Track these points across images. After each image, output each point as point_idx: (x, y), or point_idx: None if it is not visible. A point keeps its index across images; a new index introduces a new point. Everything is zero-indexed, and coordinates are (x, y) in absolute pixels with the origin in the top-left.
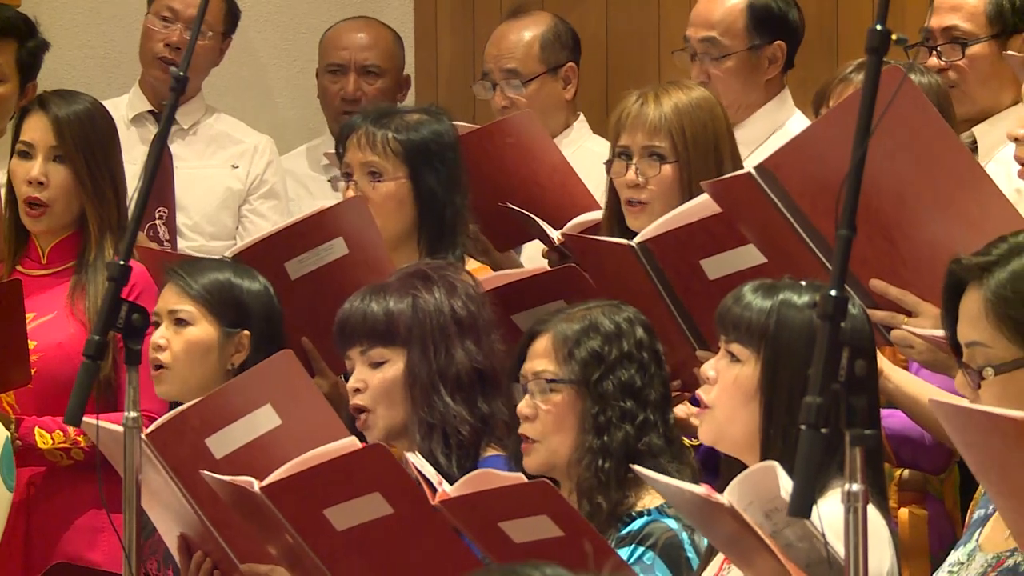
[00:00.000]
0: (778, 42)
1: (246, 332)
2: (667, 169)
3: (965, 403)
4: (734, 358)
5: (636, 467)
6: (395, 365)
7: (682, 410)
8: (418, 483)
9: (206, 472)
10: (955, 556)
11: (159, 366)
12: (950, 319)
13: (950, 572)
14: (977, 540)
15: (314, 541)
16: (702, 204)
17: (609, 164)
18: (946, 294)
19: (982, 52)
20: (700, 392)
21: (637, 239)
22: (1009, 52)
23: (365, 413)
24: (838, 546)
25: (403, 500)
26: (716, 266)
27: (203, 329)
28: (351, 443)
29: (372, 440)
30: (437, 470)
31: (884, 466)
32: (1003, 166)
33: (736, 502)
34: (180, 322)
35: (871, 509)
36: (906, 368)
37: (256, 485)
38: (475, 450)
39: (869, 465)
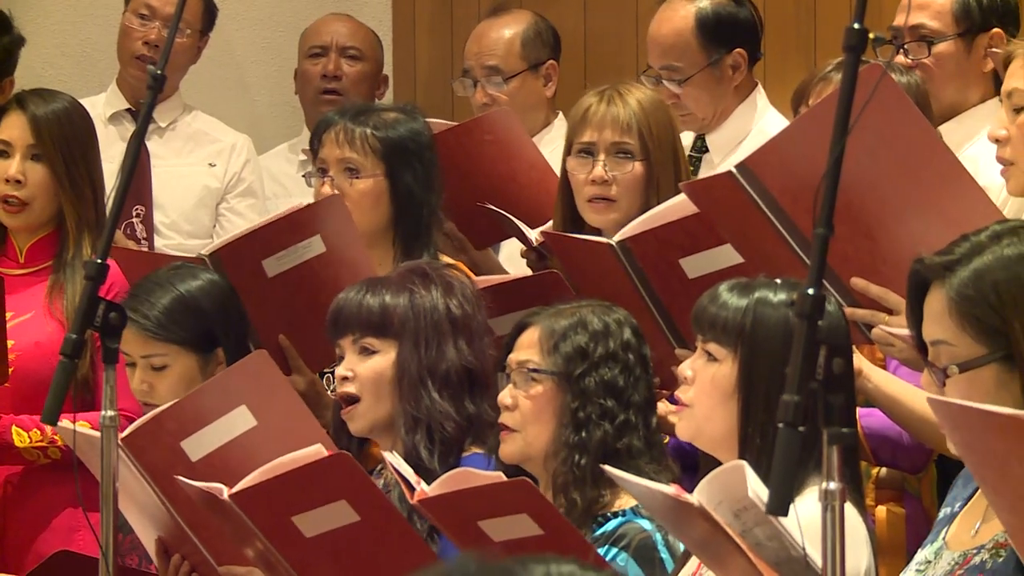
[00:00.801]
0: (736, 50)
1: (220, 350)
2: (636, 167)
3: (963, 402)
4: (711, 357)
5: (606, 467)
6: (386, 356)
7: (661, 407)
8: (396, 482)
9: (179, 477)
10: (922, 555)
11: (149, 405)
12: (915, 318)
13: (918, 571)
14: (944, 538)
15: (284, 547)
16: (681, 203)
17: (565, 159)
18: (910, 293)
19: (948, 50)
20: (678, 392)
21: (616, 238)
22: (994, 49)
23: (352, 405)
24: (810, 544)
25: (369, 508)
26: (695, 265)
27: (182, 366)
28: (317, 451)
29: (355, 431)
30: (419, 464)
31: (861, 464)
32: (969, 163)
33: (706, 502)
34: (158, 368)
35: (848, 507)
36: (884, 367)
37: (225, 492)
38: (458, 447)
39: (846, 463)
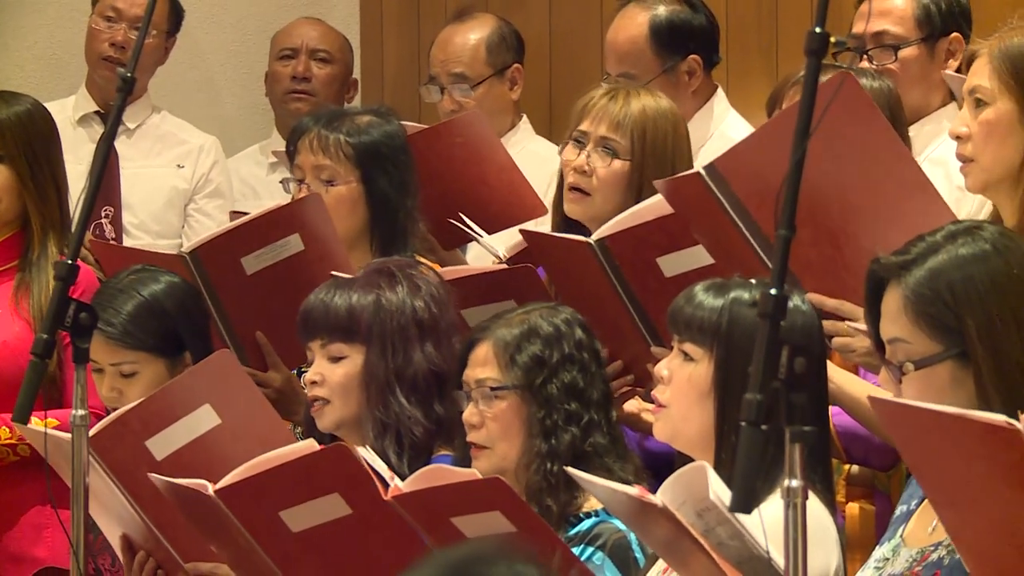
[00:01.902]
0: (691, 56)
1: (188, 354)
2: (617, 164)
3: (903, 400)
4: (687, 357)
5: (570, 470)
6: (353, 361)
7: (633, 404)
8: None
9: (154, 475)
10: (880, 552)
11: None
12: (873, 317)
13: (876, 568)
14: (901, 535)
15: (267, 543)
16: (659, 203)
17: (563, 147)
18: (868, 293)
19: (912, 55)
20: (655, 392)
21: (595, 236)
22: (947, 72)
23: (320, 402)
24: (776, 542)
25: (362, 500)
26: (672, 264)
27: (151, 372)
28: (310, 445)
29: (322, 427)
30: (389, 468)
31: (832, 463)
32: (939, 166)
33: (669, 502)
34: (127, 375)
35: (819, 506)
36: (855, 371)
37: (210, 488)
38: (427, 451)
39: (818, 462)
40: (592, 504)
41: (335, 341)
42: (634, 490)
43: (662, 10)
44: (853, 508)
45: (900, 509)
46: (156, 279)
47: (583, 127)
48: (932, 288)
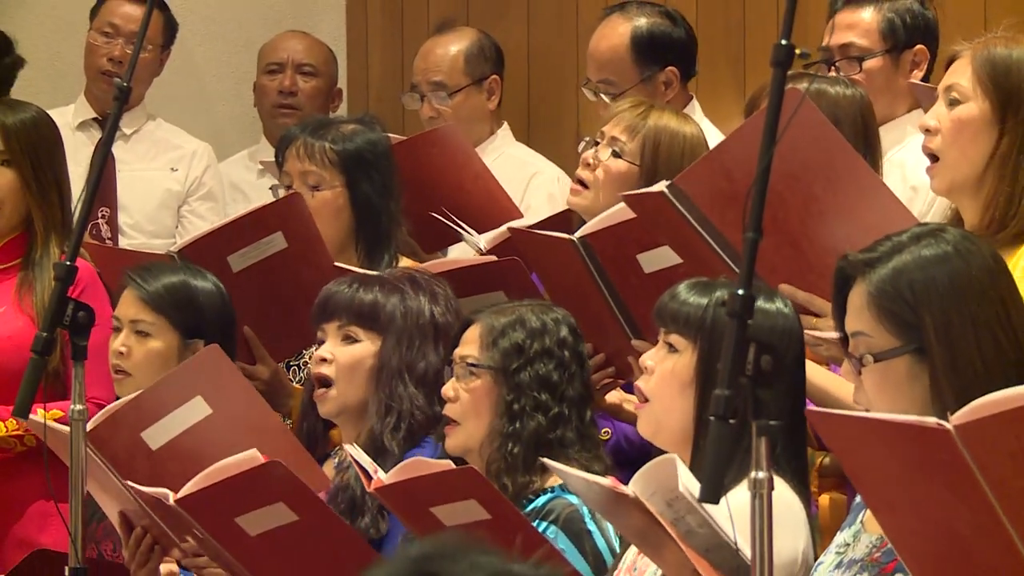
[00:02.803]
0: (669, 68)
1: (201, 342)
2: (621, 164)
3: (838, 411)
4: (672, 348)
5: (547, 460)
6: (366, 346)
7: (615, 395)
8: (354, 471)
9: (129, 483)
10: (841, 537)
11: (119, 370)
12: (839, 311)
13: (838, 553)
14: (861, 522)
15: (231, 546)
16: None
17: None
18: (835, 287)
19: (877, 66)
20: (639, 382)
21: (578, 234)
22: (914, 81)
23: (325, 387)
24: (735, 530)
25: (305, 508)
26: (651, 261)
27: (163, 341)
28: (252, 458)
29: (323, 413)
30: (380, 446)
31: (807, 455)
32: (897, 168)
33: (640, 492)
34: (142, 333)
35: (789, 492)
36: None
37: (171, 497)
38: (421, 437)
39: (791, 453)
40: (550, 484)
41: (354, 324)
42: (607, 481)
43: (643, 22)
44: (825, 498)
45: (859, 497)
46: (205, 277)
47: (603, 129)
48: (894, 286)
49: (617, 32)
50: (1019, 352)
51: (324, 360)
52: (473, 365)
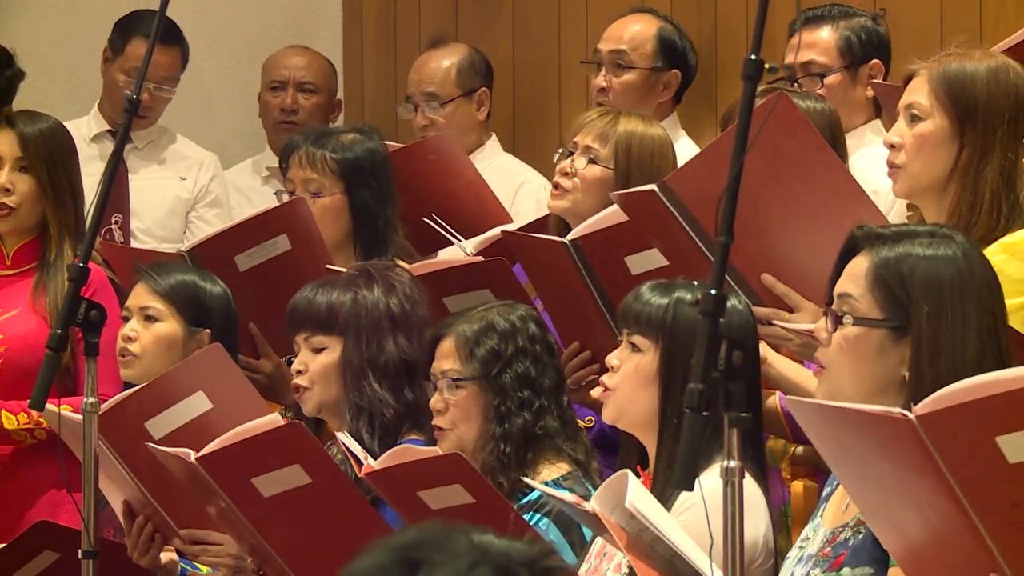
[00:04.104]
0: (675, 70)
1: (207, 331)
2: (596, 169)
3: (814, 400)
4: (635, 348)
5: (526, 479)
6: (333, 352)
7: (598, 391)
8: (344, 457)
9: (150, 444)
10: (805, 531)
11: (127, 354)
12: (835, 274)
13: (799, 547)
14: (820, 516)
15: (244, 506)
16: None
17: (558, 158)
18: (841, 253)
19: (836, 81)
20: (603, 378)
21: (569, 236)
22: (876, 82)
23: (303, 390)
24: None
25: (320, 471)
26: (638, 263)
27: (170, 326)
28: (273, 420)
29: (306, 412)
30: (362, 446)
31: (771, 441)
32: (857, 174)
33: (602, 508)
34: (149, 318)
35: (749, 481)
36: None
37: (192, 456)
38: (397, 432)
39: (749, 440)
40: (541, 478)
41: (317, 334)
42: (572, 497)
43: (668, 28)
44: (798, 486)
45: (825, 491)
46: (212, 280)
47: (574, 139)
48: (898, 265)
49: (648, 22)
50: (998, 364)
51: (300, 372)
52: (457, 379)
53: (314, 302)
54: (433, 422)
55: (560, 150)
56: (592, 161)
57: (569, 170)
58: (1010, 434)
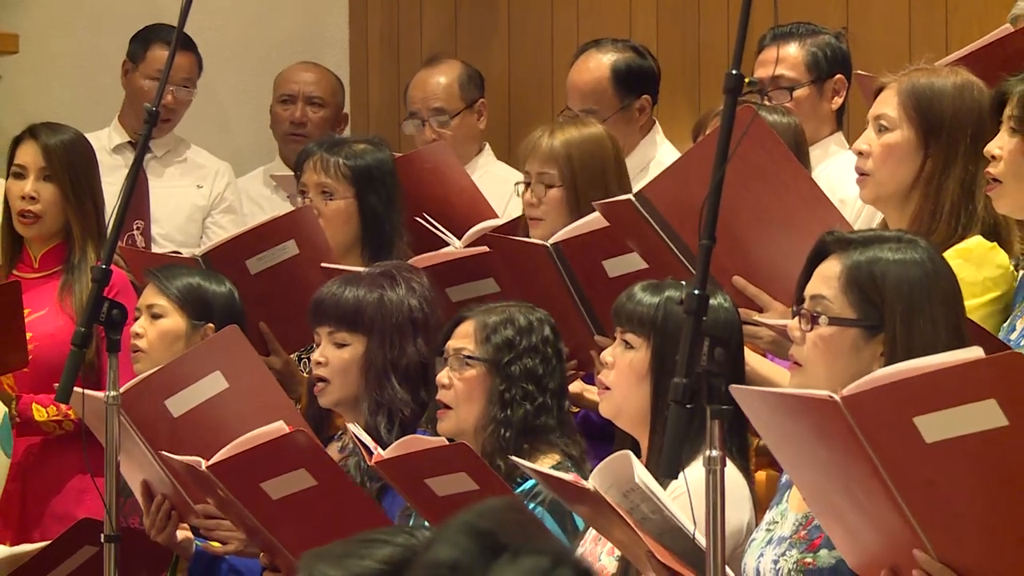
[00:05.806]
0: (644, 96)
1: (210, 325)
2: (554, 192)
3: (753, 388)
4: (628, 345)
5: (514, 459)
6: (355, 348)
7: (577, 386)
8: (355, 447)
9: (164, 452)
10: (770, 515)
11: (136, 350)
12: (804, 278)
13: (767, 530)
14: (786, 501)
15: (255, 509)
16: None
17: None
18: (810, 257)
19: (804, 94)
20: (599, 376)
21: (550, 240)
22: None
23: (323, 382)
24: (692, 510)
25: (324, 474)
26: (615, 266)
27: (173, 321)
28: (279, 428)
29: (323, 405)
30: (378, 441)
31: (748, 436)
32: (824, 182)
33: (599, 485)
34: (155, 315)
35: (734, 471)
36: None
37: (203, 464)
38: (412, 429)
39: (735, 434)
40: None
41: (341, 330)
42: (569, 476)
43: (619, 56)
44: (761, 475)
45: (784, 478)
46: (219, 280)
47: (527, 168)
48: (870, 268)
49: (599, 65)
50: None
51: (320, 363)
52: (469, 357)
53: (342, 299)
54: (437, 397)
55: (517, 183)
56: (549, 185)
57: (533, 201)
58: (927, 415)
